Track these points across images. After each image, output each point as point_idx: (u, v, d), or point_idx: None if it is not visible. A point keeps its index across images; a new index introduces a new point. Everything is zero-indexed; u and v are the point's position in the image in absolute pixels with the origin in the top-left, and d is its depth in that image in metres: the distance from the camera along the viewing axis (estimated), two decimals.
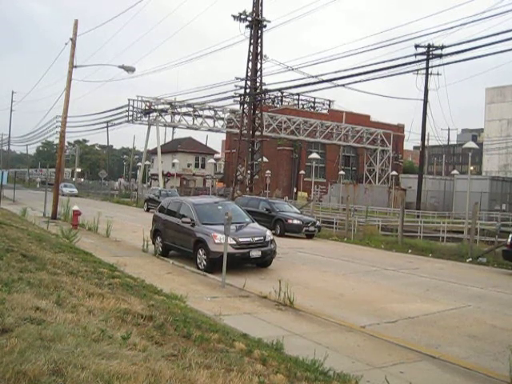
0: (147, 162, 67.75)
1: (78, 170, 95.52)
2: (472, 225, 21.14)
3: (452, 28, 18.36)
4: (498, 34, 15.38)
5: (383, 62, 18.89)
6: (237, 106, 50.78)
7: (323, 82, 24.84)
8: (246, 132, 38.69)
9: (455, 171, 54.33)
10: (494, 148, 53.18)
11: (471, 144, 25.43)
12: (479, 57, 16.94)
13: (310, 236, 25.44)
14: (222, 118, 52.18)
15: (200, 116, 49.88)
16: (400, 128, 67.64)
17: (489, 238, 22.21)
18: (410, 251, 21.36)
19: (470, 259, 19.30)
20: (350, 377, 5.68)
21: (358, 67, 20.54)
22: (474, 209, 21.16)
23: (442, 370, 6.79)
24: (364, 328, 8.65)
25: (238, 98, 43.81)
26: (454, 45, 17.87)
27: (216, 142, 77.20)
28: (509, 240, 16.85)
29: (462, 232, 22.85)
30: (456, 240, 23.56)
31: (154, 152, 63.68)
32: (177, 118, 50.32)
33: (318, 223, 26.89)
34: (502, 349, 6.84)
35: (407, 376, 6.35)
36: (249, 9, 37.42)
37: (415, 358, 7.15)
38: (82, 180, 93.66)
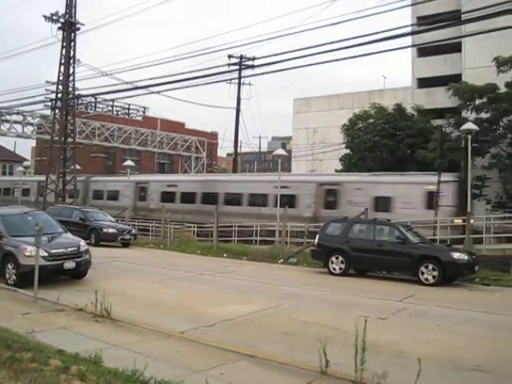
0: None
1: None
2: (283, 227, 22.46)
3: (263, 41, 19.30)
4: (301, 49, 16.47)
5: (198, 70, 19.20)
6: (48, 111, 48.04)
7: (138, 88, 24.57)
8: (57, 138, 36.85)
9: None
10: (301, 155, 56.81)
11: (281, 151, 27.01)
12: (287, 69, 17.97)
13: (126, 244, 25.04)
14: (32, 124, 49.05)
15: (7, 121, 46.37)
16: (214, 135, 69.43)
17: (298, 240, 23.70)
18: (225, 255, 22.02)
19: (282, 260, 20.46)
20: (171, 383, 5.72)
21: (173, 75, 20.64)
22: (284, 212, 22.45)
23: (260, 368, 7.11)
24: (183, 334, 8.72)
25: (50, 103, 41.46)
26: (265, 57, 18.78)
27: (26, 148, 72.42)
28: (316, 240, 18.22)
29: (274, 234, 24.12)
30: (269, 242, 24.82)
31: None
32: None
33: (133, 231, 26.61)
34: (313, 342, 7.34)
35: (227, 377, 6.53)
36: (62, 10, 35.72)
37: (234, 358, 7.39)
38: None
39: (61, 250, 13.25)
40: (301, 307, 11.50)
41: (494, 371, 7.17)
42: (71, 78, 36.03)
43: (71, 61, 35.95)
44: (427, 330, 9.73)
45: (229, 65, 35.58)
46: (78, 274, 13.94)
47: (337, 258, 17.21)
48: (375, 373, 6.21)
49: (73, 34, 35.96)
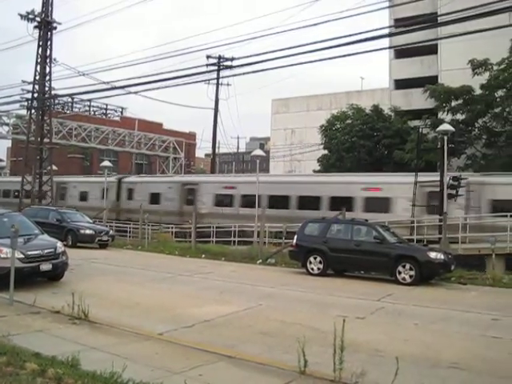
0: None
1: None
2: (261, 228, 22.49)
3: (243, 41, 19.32)
4: (279, 50, 16.52)
5: (176, 70, 19.14)
6: (24, 111, 47.41)
7: (116, 88, 24.44)
8: (33, 139, 36.40)
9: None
10: (279, 155, 57.03)
11: (259, 152, 27.04)
12: (265, 70, 17.99)
13: (103, 246, 24.87)
14: (8, 124, 48.36)
15: None
16: (192, 136, 69.21)
17: (276, 240, 23.74)
18: (203, 256, 21.99)
19: (261, 261, 20.49)
20: None
21: (151, 75, 20.60)
22: (262, 212, 22.50)
23: (239, 368, 7.10)
24: (162, 335, 8.68)
25: (26, 103, 40.89)
26: (243, 57, 18.85)
27: (1, 149, 71.14)
28: (294, 241, 18.27)
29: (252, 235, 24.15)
30: (247, 243, 24.83)
31: None
32: None
33: (111, 232, 26.43)
34: (292, 342, 7.37)
35: (206, 378, 6.52)
36: (38, 8, 35.25)
37: (213, 359, 7.37)
38: None
39: (37, 252, 13.07)
40: (279, 307, 11.53)
41: (470, 369, 7.26)
42: (47, 77, 35.61)
43: (48, 60, 35.54)
44: (405, 328, 9.83)
45: (207, 65, 35.52)
46: (55, 275, 13.76)
47: (315, 258, 17.28)
48: (354, 372, 6.26)
49: (49, 33, 35.55)
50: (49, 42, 35.70)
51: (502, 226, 20.68)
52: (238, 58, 23.01)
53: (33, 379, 4.83)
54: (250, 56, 17.57)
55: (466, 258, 19.38)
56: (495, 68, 30.02)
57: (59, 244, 14.12)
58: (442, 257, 15.85)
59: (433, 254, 15.83)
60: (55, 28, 35.76)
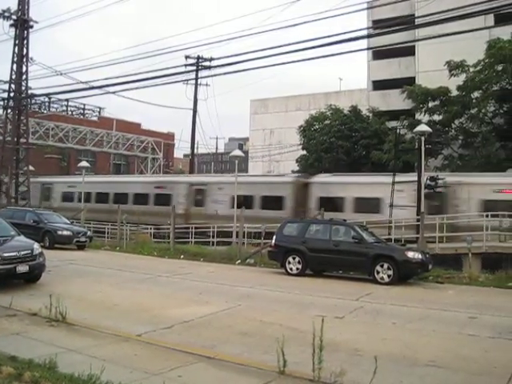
0: None
1: None
2: (240, 228, 22.48)
3: (221, 41, 19.32)
4: (258, 50, 16.58)
5: (155, 70, 19.09)
6: (0, 111, 46.81)
7: (93, 88, 24.30)
8: (10, 139, 35.94)
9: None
10: (258, 156, 57.10)
11: (237, 152, 27.03)
12: (243, 70, 18.02)
13: (81, 247, 24.63)
14: None
15: None
16: (170, 136, 68.88)
17: (255, 241, 23.75)
18: (182, 257, 21.92)
19: (239, 261, 20.49)
20: None
21: (129, 75, 20.51)
22: (241, 213, 22.50)
23: (218, 369, 7.10)
24: (140, 336, 8.63)
25: (1, 102, 40.35)
26: (222, 58, 18.90)
27: None
28: (273, 241, 18.30)
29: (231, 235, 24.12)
30: (226, 244, 24.79)
31: None
32: None
33: (89, 233, 26.22)
34: (271, 342, 7.38)
35: (185, 379, 6.51)
36: (14, 7, 34.80)
37: (192, 360, 7.35)
38: None
39: (13, 254, 12.89)
40: (258, 308, 11.54)
41: (447, 366, 7.34)
42: (24, 76, 35.21)
43: (24, 59, 35.11)
44: (383, 327, 9.90)
45: (186, 65, 35.44)
46: (32, 277, 13.59)
47: (293, 258, 17.32)
48: (332, 371, 6.29)
49: (26, 32, 35.11)
50: (25, 41, 35.26)
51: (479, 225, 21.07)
52: (217, 59, 23.09)
53: (9, 383, 4.75)
54: (229, 56, 17.67)
55: (443, 258, 19.60)
56: (471, 70, 30.41)
57: (36, 245, 13.95)
58: (420, 256, 16.00)
59: (410, 254, 15.97)
60: (32, 27, 35.34)
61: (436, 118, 31.94)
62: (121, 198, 34.74)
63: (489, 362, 7.65)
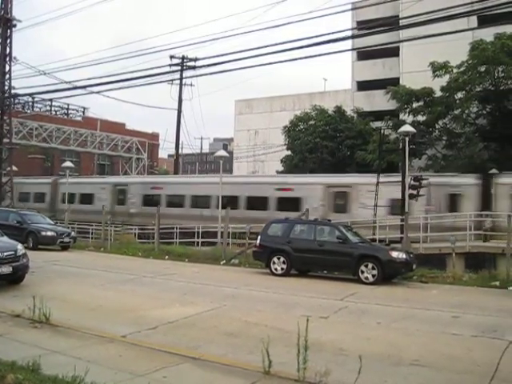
0: None
1: None
2: (224, 228, 22.46)
3: (206, 41, 19.23)
4: (243, 50, 16.57)
5: (139, 70, 18.99)
6: None
7: (77, 88, 24.13)
8: None
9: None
10: (243, 156, 57.06)
11: (222, 152, 27.04)
12: (228, 70, 17.98)
13: (65, 248, 24.47)
14: None
15: None
16: (155, 136, 68.59)
17: (240, 241, 23.74)
18: (167, 257, 21.86)
19: (224, 261, 20.47)
20: None
21: (114, 75, 20.37)
22: (226, 213, 22.46)
23: (203, 370, 7.08)
24: (125, 337, 8.58)
25: None
26: (207, 58, 18.79)
27: None
28: (257, 241, 18.29)
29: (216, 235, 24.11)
30: (211, 244, 24.75)
31: None
32: None
33: (73, 234, 26.05)
34: (256, 342, 7.37)
35: (170, 380, 6.49)
36: None
37: (177, 361, 7.33)
38: None
39: None
40: (243, 308, 11.53)
41: (431, 365, 7.39)
42: (7, 76, 34.87)
43: (7, 58, 34.77)
44: (368, 327, 9.94)
45: (170, 65, 35.31)
46: (15, 279, 13.45)
47: (278, 258, 17.33)
48: (318, 371, 6.30)
49: (9, 31, 34.76)
50: (8, 40, 34.92)
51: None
52: (202, 59, 23.04)
53: None
54: (214, 56, 17.59)
55: (427, 257, 19.75)
56: (455, 71, 30.70)
57: (20, 246, 13.82)
58: (404, 256, 16.10)
59: (395, 254, 16.07)
60: (15, 26, 35.00)
61: (420, 118, 32.18)
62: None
63: (472, 361, 7.72)
